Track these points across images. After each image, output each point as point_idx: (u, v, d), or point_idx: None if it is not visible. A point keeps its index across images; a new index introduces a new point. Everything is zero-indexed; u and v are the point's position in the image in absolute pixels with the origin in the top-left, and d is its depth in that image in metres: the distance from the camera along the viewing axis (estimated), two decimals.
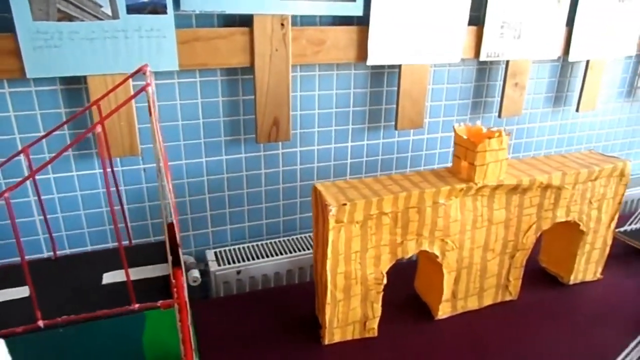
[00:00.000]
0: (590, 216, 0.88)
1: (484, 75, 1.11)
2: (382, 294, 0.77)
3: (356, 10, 0.90)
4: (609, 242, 0.93)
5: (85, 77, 0.80)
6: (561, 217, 0.85)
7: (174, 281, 0.55)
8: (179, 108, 0.90)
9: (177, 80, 0.88)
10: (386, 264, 0.75)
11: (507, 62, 1.07)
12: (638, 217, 1.06)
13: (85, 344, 0.63)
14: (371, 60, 0.93)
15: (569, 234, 0.91)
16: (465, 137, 0.74)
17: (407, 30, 0.94)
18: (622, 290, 0.93)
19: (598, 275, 0.96)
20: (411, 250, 0.76)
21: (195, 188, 0.96)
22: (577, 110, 1.20)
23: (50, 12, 0.74)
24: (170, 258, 0.54)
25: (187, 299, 0.56)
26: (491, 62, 1.10)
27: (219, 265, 0.95)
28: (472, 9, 1.01)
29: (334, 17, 0.92)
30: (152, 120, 0.46)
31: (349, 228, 0.71)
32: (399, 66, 0.97)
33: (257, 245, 1.03)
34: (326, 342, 0.77)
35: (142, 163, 0.91)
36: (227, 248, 1.01)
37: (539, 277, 0.97)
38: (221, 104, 0.92)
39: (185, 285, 0.56)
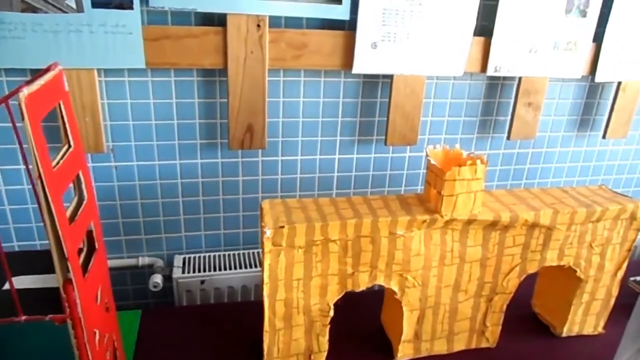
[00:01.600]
0: (591, 262, 0.77)
1: (495, 92, 1.01)
2: (329, 327, 0.70)
3: (342, 14, 0.83)
4: (615, 292, 0.81)
5: None
6: (552, 260, 0.74)
7: (64, 295, 0.51)
8: (152, 107, 0.86)
9: (150, 78, 0.84)
10: (334, 295, 0.68)
11: (520, 78, 0.96)
12: None
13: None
14: (357, 69, 0.86)
15: (565, 279, 0.80)
16: (433, 161, 0.66)
17: (399, 38, 0.86)
18: None
19: (599, 330, 0.84)
20: (363, 283, 0.68)
21: (168, 190, 0.93)
22: (603, 137, 1.07)
23: (14, 3, 0.72)
24: (58, 268, 0.50)
25: (80, 314, 0.52)
26: (504, 78, 0.99)
27: (184, 272, 0.91)
28: (480, 18, 0.91)
29: (321, 20, 0.86)
30: (26, 131, 0.42)
31: (290, 253, 0.64)
32: (391, 76, 0.89)
33: (232, 254, 0.98)
34: None
35: (114, 160, 0.89)
36: (200, 255, 0.98)
37: (529, 323, 0.86)
38: (197, 105, 0.88)
39: (77, 300, 0.52)
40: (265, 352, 0.70)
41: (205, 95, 0.88)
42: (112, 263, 0.95)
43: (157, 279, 0.91)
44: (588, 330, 0.83)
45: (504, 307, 0.76)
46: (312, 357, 0.71)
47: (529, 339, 0.82)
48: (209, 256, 0.97)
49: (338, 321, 0.80)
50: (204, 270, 0.93)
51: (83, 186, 0.56)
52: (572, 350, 0.80)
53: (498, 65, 0.92)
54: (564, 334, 0.82)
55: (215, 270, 0.93)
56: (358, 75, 0.92)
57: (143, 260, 0.95)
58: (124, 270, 0.97)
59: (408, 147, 1.00)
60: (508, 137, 1.00)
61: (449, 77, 0.96)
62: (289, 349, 0.70)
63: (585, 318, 0.82)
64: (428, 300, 0.72)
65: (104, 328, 0.59)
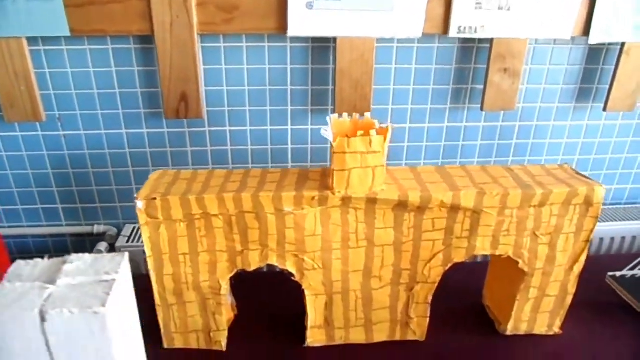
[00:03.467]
0: (537, 253, 0.66)
1: (469, 57, 0.89)
2: (223, 305, 0.66)
3: None
4: (572, 289, 0.70)
5: None
6: (483, 249, 0.65)
7: None
8: (93, 76, 0.86)
9: (88, 46, 0.83)
10: (224, 273, 0.64)
11: (492, 40, 0.84)
12: None
13: None
14: (292, 31, 0.79)
15: (511, 272, 0.70)
16: (325, 132, 0.59)
17: None
18: (580, 356, 0.69)
19: (555, 330, 0.73)
20: (254, 263, 0.64)
21: (117, 160, 0.93)
22: (604, 109, 0.91)
23: None
24: None
25: None
26: (479, 41, 0.87)
27: (129, 241, 0.91)
28: None
29: None
30: None
31: (171, 226, 0.61)
32: (334, 40, 0.81)
33: None
34: (165, 345, 0.70)
35: (62, 129, 0.90)
36: None
37: (476, 318, 0.76)
38: (137, 74, 0.86)
39: None
40: (161, 326, 0.68)
41: (144, 64, 0.85)
42: (69, 229, 0.97)
43: (101, 247, 0.92)
44: (540, 329, 0.73)
45: (429, 297, 0.68)
46: (211, 334, 0.68)
47: (468, 334, 0.73)
48: None
49: (253, 302, 0.77)
50: None
51: None
52: (513, 350, 0.70)
53: (462, 26, 0.81)
54: (509, 332, 0.72)
55: None
56: (305, 40, 0.85)
57: (98, 228, 0.97)
58: (82, 237, 0.99)
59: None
60: (481, 108, 0.89)
61: (410, 40, 0.86)
62: (186, 325, 0.68)
63: (535, 316, 0.71)
64: (334, 286, 0.66)
65: None
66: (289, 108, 0.90)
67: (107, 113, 0.89)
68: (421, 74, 0.90)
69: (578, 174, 0.67)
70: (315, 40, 0.85)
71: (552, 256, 0.67)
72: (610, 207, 1.04)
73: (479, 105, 0.91)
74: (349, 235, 0.63)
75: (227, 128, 0.91)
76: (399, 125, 0.93)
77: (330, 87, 0.89)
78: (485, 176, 0.65)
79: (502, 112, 0.94)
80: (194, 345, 0.70)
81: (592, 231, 0.66)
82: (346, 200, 0.60)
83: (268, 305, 0.77)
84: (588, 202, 0.64)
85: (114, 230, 0.97)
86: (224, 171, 0.66)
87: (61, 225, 0.97)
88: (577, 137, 0.98)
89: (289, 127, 0.92)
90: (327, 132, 0.58)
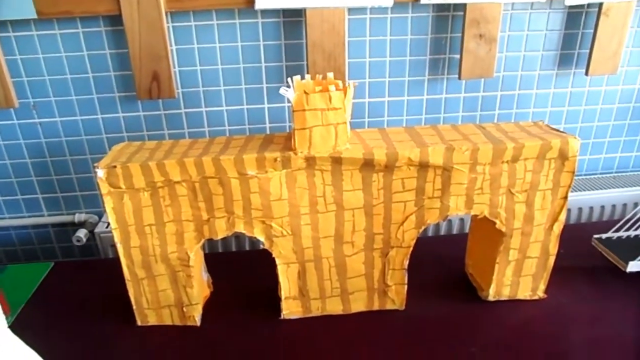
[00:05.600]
0: (514, 212, 0.64)
1: (444, 25, 0.88)
2: (193, 277, 0.65)
3: None
4: (553, 250, 0.68)
5: None
6: (457, 209, 0.63)
7: None
8: (65, 61, 0.85)
9: (57, 31, 0.83)
10: (192, 243, 0.63)
11: (465, 6, 0.82)
12: (632, 221, 0.75)
13: None
14: (260, 4, 0.78)
15: (490, 234, 0.68)
16: (284, 91, 0.57)
17: None
18: (565, 320, 0.67)
19: (539, 294, 0.71)
20: (221, 231, 0.62)
21: (95, 146, 0.92)
22: (586, 73, 0.89)
23: None
24: None
25: None
26: (454, 8, 0.86)
27: (108, 227, 0.90)
28: None
29: None
30: None
31: (135, 196, 0.60)
32: (305, 13, 0.80)
33: None
34: (139, 323, 0.68)
35: (37, 117, 0.89)
36: None
37: (459, 286, 0.74)
38: (109, 57, 0.86)
39: None
40: (133, 302, 0.66)
41: (115, 46, 0.85)
42: (50, 219, 0.96)
43: (81, 233, 0.91)
44: (524, 294, 0.70)
45: (405, 263, 0.66)
46: (184, 309, 0.67)
47: (449, 302, 0.71)
48: None
49: (229, 279, 0.76)
50: None
51: None
52: (496, 315, 0.68)
53: None
54: (491, 298, 0.70)
55: None
56: (276, 14, 0.84)
57: (79, 217, 0.96)
58: (65, 226, 0.98)
59: None
60: (459, 77, 0.87)
61: (383, 10, 0.85)
62: (158, 300, 0.67)
63: (517, 279, 0.69)
64: (306, 253, 0.64)
65: None
66: (264, 85, 0.89)
67: (82, 99, 0.88)
68: (396, 45, 0.88)
69: (553, 129, 0.65)
70: (286, 14, 0.84)
71: (530, 215, 0.65)
72: (602, 175, 1.02)
73: (458, 76, 0.90)
74: (317, 199, 0.61)
75: (203, 109, 0.90)
76: (377, 99, 0.92)
77: (305, 62, 0.88)
78: (455, 134, 0.64)
79: (483, 81, 0.92)
80: (167, 321, 0.68)
81: (569, 187, 0.64)
82: (310, 162, 0.59)
83: (245, 282, 0.76)
84: (563, 156, 0.62)
85: (95, 218, 0.96)
86: (189, 140, 0.65)
87: (43, 216, 0.97)
88: (561, 105, 0.96)
89: (266, 105, 0.91)
90: (287, 91, 0.57)
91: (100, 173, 0.58)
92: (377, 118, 0.93)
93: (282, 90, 0.57)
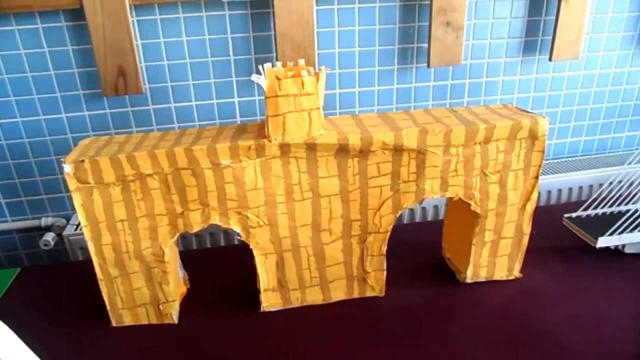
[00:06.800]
0: (488, 193, 0.65)
1: (412, 15, 0.88)
2: (169, 273, 0.63)
3: None
4: (527, 229, 0.69)
5: None
6: (432, 192, 0.64)
7: None
8: (24, 58, 0.82)
9: (15, 27, 0.80)
10: (166, 238, 0.61)
11: None
12: (598, 200, 0.77)
13: None
14: None
15: (465, 216, 0.68)
16: (256, 78, 0.57)
17: None
18: (541, 298, 0.68)
19: (515, 274, 0.72)
20: (197, 224, 0.61)
21: (60, 146, 0.89)
22: (549, 59, 0.91)
23: None
24: None
25: None
26: None
27: (77, 229, 0.87)
28: None
29: None
30: None
31: (105, 191, 0.58)
32: (272, 4, 0.80)
33: None
34: (113, 324, 0.66)
35: None
36: None
37: (437, 271, 0.75)
38: (72, 53, 0.83)
39: None
40: (107, 303, 0.64)
41: (78, 41, 0.82)
42: (14, 225, 0.93)
43: (49, 237, 0.87)
44: (500, 274, 0.71)
45: (383, 248, 0.66)
46: (161, 307, 0.65)
47: (428, 286, 0.71)
48: None
49: (207, 275, 0.74)
50: None
51: None
52: (474, 296, 0.69)
53: None
54: (469, 280, 0.71)
55: None
56: (244, 6, 0.83)
57: (46, 221, 0.92)
58: (31, 231, 0.95)
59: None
60: (428, 65, 0.88)
61: (350, 0, 0.85)
62: (133, 299, 0.65)
63: (494, 260, 0.70)
64: (283, 243, 0.63)
65: None
66: (234, 79, 0.88)
67: (44, 97, 0.85)
68: (365, 35, 0.88)
69: (522, 110, 0.67)
70: (253, 5, 0.83)
71: (504, 195, 0.66)
72: (568, 159, 1.05)
73: (427, 64, 0.90)
74: (292, 187, 0.61)
75: (172, 105, 0.88)
76: (348, 89, 0.92)
77: (274, 54, 0.87)
78: (428, 117, 0.64)
79: (451, 69, 0.93)
80: (144, 320, 0.66)
81: (540, 166, 0.65)
82: (285, 149, 0.58)
83: (222, 277, 0.75)
84: (533, 136, 0.63)
85: (63, 221, 0.93)
86: (159, 133, 0.64)
87: (6, 221, 0.93)
88: (527, 91, 0.98)
89: (236, 99, 0.90)
90: (259, 78, 0.56)
91: (68, 168, 0.56)
92: (348, 109, 0.93)
93: (254, 77, 0.56)
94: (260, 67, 0.58)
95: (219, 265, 0.77)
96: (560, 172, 0.98)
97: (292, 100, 0.56)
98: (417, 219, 0.95)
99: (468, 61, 0.93)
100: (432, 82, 0.94)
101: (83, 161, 0.56)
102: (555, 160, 1.04)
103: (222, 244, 0.92)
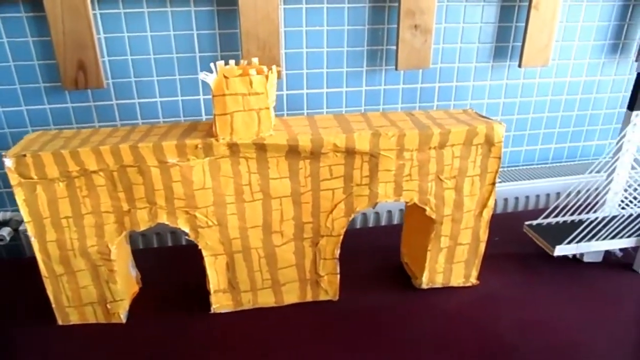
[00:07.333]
0: (444, 199, 0.65)
1: (381, 17, 0.88)
2: (116, 272, 0.62)
3: None
4: (483, 236, 0.68)
5: None
6: (386, 196, 0.63)
7: None
8: None
9: None
10: (113, 236, 0.60)
11: None
12: (559, 208, 0.77)
13: None
14: None
15: (422, 222, 0.68)
16: (208, 76, 0.56)
17: None
18: (498, 305, 0.68)
19: (472, 281, 0.71)
20: (144, 222, 0.60)
21: (19, 139, 0.87)
22: (519, 65, 0.91)
23: None
24: None
25: None
26: None
27: None
28: None
29: None
30: None
31: (49, 187, 0.57)
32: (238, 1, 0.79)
33: None
34: (59, 322, 0.65)
35: None
36: None
37: (394, 276, 0.74)
38: (32, 44, 0.81)
39: None
40: (52, 301, 0.63)
41: (38, 33, 0.80)
42: None
43: (4, 232, 0.86)
44: (457, 281, 0.71)
45: (336, 252, 0.65)
46: (108, 306, 0.64)
47: (384, 291, 0.71)
48: None
49: (160, 275, 0.73)
50: None
51: None
52: (429, 303, 0.68)
53: None
54: (424, 285, 0.70)
55: None
56: (210, 3, 0.82)
57: (4, 215, 0.90)
58: None
59: (284, 84, 0.89)
60: (396, 67, 0.87)
61: (318, 1, 0.84)
62: (79, 298, 0.63)
63: (450, 266, 0.70)
64: (233, 244, 0.62)
65: None
66: (199, 77, 0.87)
67: (3, 89, 0.83)
68: (333, 35, 0.87)
69: (481, 116, 0.66)
70: (219, 2, 0.82)
71: (460, 201, 0.65)
72: (538, 166, 1.04)
73: (395, 67, 0.90)
74: (242, 187, 0.60)
75: (136, 100, 0.87)
76: (315, 90, 0.91)
77: (240, 52, 0.86)
78: (384, 120, 0.63)
79: (421, 72, 0.93)
80: (91, 319, 0.65)
81: (496, 172, 0.64)
82: (234, 149, 0.57)
83: (176, 277, 0.74)
84: (489, 142, 0.62)
85: (21, 216, 0.91)
86: (110, 129, 0.63)
87: None
88: (497, 97, 0.98)
89: (201, 96, 0.89)
90: (207, 76, 0.55)
91: (8, 162, 0.55)
92: (315, 109, 0.92)
93: (202, 75, 0.55)
94: (212, 64, 0.57)
95: (172, 265, 0.75)
96: (530, 179, 0.97)
97: (240, 99, 0.55)
98: (371, 223, 0.94)
99: (438, 65, 0.93)
100: (401, 84, 0.93)
101: (25, 155, 0.55)
102: (525, 167, 1.04)
103: (170, 244, 0.90)
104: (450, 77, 0.94)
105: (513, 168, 1.04)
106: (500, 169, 1.00)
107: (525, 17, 0.88)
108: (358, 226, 0.94)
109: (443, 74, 0.94)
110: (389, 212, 0.93)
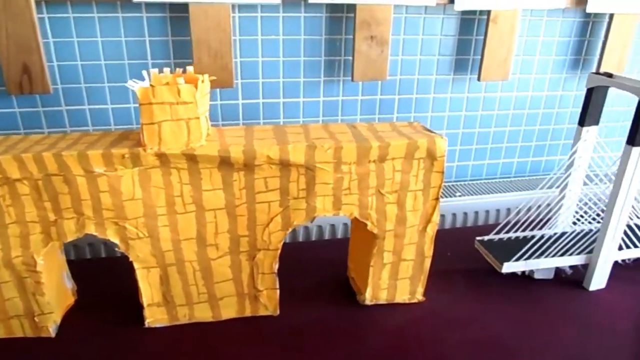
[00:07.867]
0: (386, 214, 0.63)
1: (338, 27, 0.87)
2: (44, 284, 0.60)
3: None
4: (428, 252, 0.67)
5: None
6: (324, 210, 0.61)
7: None
8: None
9: None
10: (39, 247, 0.58)
11: (355, 6, 0.82)
12: (511, 224, 0.76)
13: None
14: None
15: (365, 236, 0.66)
16: (136, 84, 0.54)
17: None
18: (444, 322, 0.66)
19: (418, 297, 0.70)
20: (71, 233, 0.58)
21: None
22: (478, 79, 0.90)
23: None
24: None
25: None
26: (347, 9, 0.85)
27: None
28: None
29: None
30: None
31: None
32: (186, 6, 0.77)
33: None
34: None
35: None
36: None
37: (339, 291, 0.73)
38: None
39: None
40: None
41: None
42: None
43: None
44: (402, 297, 0.69)
45: (275, 266, 0.64)
46: (36, 319, 0.62)
47: (327, 306, 0.69)
48: None
49: (97, 287, 0.71)
50: None
51: None
52: (372, 320, 0.66)
53: None
54: (368, 302, 0.68)
55: None
56: (162, 9, 0.81)
57: None
58: None
59: (240, 93, 0.88)
60: (352, 78, 0.86)
61: (275, 9, 0.83)
62: (4, 310, 0.61)
63: (394, 282, 0.68)
64: (166, 256, 0.60)
65: None
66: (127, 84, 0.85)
67: None
68: (290, 45, 0.86)
69: (426, 129, 0.65)
70: (172, 9, 0.81)
71: (402, 216, 0.64)
72: (501, 180, 1.04)
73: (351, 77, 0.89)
74: (174, 198, 0.58)
75: (87, 107, 0.85)
76: (271, 100, 0.89)
77: (192, 60, 0.84)
78: (323, 132, 0.62)
79: (380, 84, 0.92)
80: (18, 333, 0.63)
81: (440, 187, 0.63)
82: (163, 159, 0.55)
83: (114, 289, 0.71)
84: (431, 156, 0.61)
85: None
86: (40, 135, 0.61)
87: None
88: (459, 110, 0.97)
89: None
90: (135, 84, 0.53)
91: None
92: (272, 119, 0.91)
93: (130, 83, 0.54)
94: (144, 72, 0.56)
95: (109, 277, 0.73)
96: (491, 193, 0.96)
97: (168, 108, 0.53)
98: (313, 237, 0.92)
99: (397, 77, 0.92)
100: (360, 96, 0.92)
101: None
102: (487, 181, 1.03)
103: (103, 255, 0.88)
104: (410, 89, 0.93)
105: (474, 181, 1.03)
106: (462, 183, 1.00)
107: (484, 30, 0.88)
108: (300, 239, 0.91)
109: (403, 86, 0.93)
110: (332, 225, 0.92)
